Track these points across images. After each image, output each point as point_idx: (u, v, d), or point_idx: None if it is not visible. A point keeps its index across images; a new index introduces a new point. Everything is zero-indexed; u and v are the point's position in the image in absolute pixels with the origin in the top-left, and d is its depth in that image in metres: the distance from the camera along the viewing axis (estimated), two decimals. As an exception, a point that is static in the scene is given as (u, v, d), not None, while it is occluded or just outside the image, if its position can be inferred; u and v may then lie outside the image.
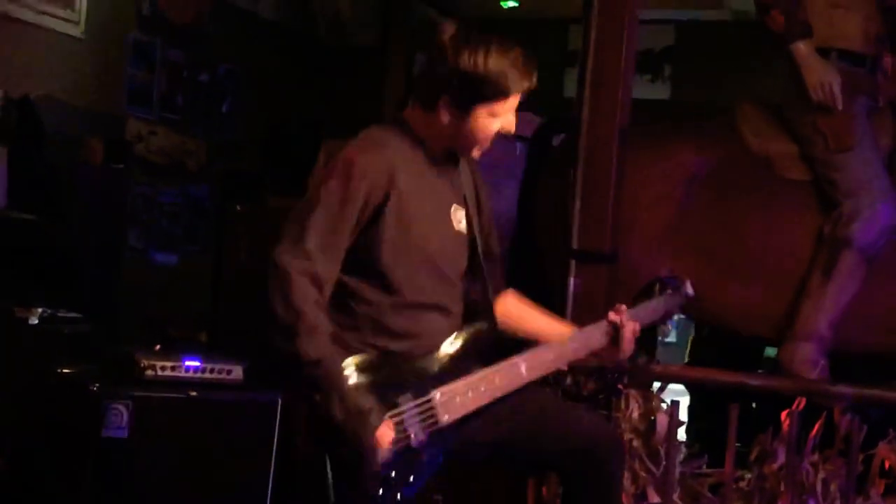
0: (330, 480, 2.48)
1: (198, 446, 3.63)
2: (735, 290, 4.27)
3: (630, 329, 2.87)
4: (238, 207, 4.83)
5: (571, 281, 4.03)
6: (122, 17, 6.01)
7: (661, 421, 3.77)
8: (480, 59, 2.62)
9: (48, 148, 5.32)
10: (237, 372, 3.78)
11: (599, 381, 3.72)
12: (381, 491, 2.53)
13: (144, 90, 6.10)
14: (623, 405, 3.77)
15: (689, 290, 3.15)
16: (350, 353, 2.58)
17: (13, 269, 4.68)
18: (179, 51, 6.28)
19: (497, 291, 2.89)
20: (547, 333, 2.87)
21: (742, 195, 4.32)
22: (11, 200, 5.09)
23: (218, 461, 3.65)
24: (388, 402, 2.56)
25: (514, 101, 2.66)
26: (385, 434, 2.50)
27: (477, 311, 2.82)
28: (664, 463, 3.75)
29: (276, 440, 3.71)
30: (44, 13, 5.51)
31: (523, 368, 2.75)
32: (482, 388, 2.69)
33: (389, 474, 2.54)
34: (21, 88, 5.30)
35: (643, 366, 3.79)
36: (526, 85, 2.67)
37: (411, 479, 2.59)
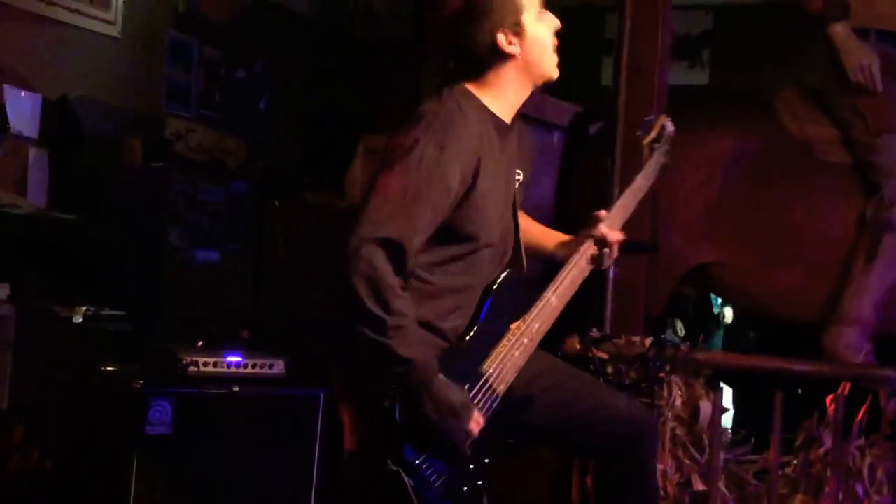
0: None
1: (241, 442, 3.65)
2: (776, 276, 4.24)
3: (614, 240, 2.85)
4: (276, 203, 4.84)
5: (611, 270, 4.02)
6: (159, 17, 6.04)
7: (705, 408, 3.75)
8: None
9: (88, 148, 5.35)
10: (279, 367, 3.79)
11: (641, 370, 3.70)
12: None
13: (182, 88, 6.13)
14: (665, 393, 3.75)
15: (670, 127, 3.08)
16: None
17: (56, 269, 4.72)
18: (216, 48, 6.31)
19: None
20: (543, 239, 2.91)
21: (782, 180, 4.29)
22: (52, 201, 5.13)
23: (262, 456, 3.67)
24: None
25: None
26: (477, 423, 2.51)
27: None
28: (708, 450, 3.73)
29: (319, 435, 3.73)
30: (81, 14, 5.54)
31: (553, 299, 2.73)
32: (525, 341, 2.66)
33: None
34: (59, 90, 5.33)
35: (686, 353, 3.77)
36: None
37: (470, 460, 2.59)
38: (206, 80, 6.27)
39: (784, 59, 6.92)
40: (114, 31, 5.73)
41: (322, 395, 3.72)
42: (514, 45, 2.66)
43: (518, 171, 2.79)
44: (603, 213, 2.87)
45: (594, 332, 3.81)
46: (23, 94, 5.17)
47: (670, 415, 3.73)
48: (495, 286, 2.69)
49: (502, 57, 2.66)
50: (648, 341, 3.74)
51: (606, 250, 2.85)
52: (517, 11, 2.65)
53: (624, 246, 4.07)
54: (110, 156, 5.42)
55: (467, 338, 2.63)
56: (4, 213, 4.64)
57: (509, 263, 2.76)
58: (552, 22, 2.72)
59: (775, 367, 3.89)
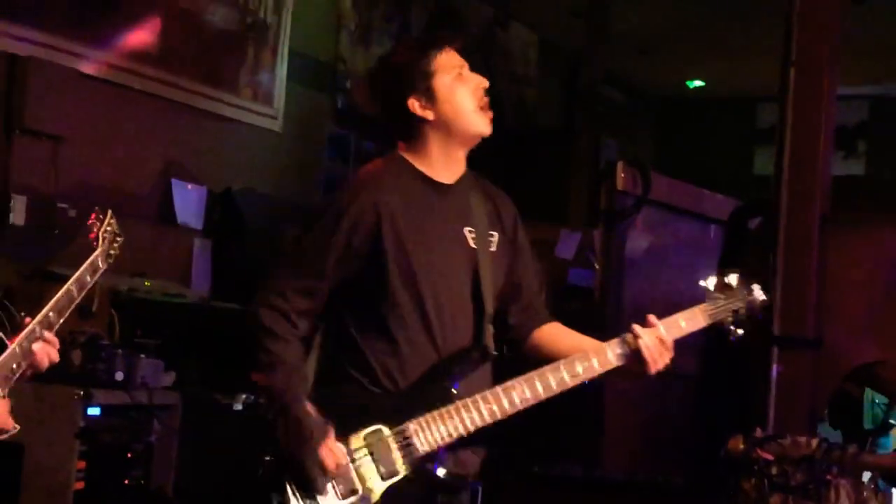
0: None
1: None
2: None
3: (651, 338, 2.62)
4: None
5: (774, 368, 3.95)
6: (318, 112, 6.21)
7: (874, 512, 3.63)
8: (398, 48, 2.80)
9: (249, 238, 5.49)
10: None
11: (808, 471, 3.61)
12: None
13: (339, 180, 6.24)
14: (833, 496, 3.64)
15: (759, 294, 2.79)
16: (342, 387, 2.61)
17: (218, 358, 4.82)
18: (372, 142, 6.44)
19: (539, 322, 2.81)
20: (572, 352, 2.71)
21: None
22: (215, 290, 5.27)
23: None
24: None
25: (454, 53, 2.70)
26: (328, 454, 2.50)
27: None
28: (878, 557, 3.61)
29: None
30: (246, 110, 5.73)
31: (516, 395, 2.60)
32: (463, 416, 2.57)
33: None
34: (223, 182, 5.50)
35: (854, 454, 3.66)
36: (444, 35, 2.75)
37: None
38: (363, 173, 6.40)
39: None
40: (276, 126, 5.91)
41: (480, 488, 3.70)
42: (428, 109, 2.68)
43: (489, 232, 2.73)
44: (653, 317, 2.69)
45: (758, 432, 3.73)
46: (189, 187, 5.35)
47: (838, 519, 3.62)
48: (457, 357, 2.64)
49: (420, 121, 2.69)
50: (815, 442, 3.66)
51: (645, 349, 2.63)
52: (428, 77, 2.68)
53: (787, 342, 4.02)
54: (270, 246, 5.55)
55: (406, 390, 2.60)
56: (171, 302, 4.78)
57: (474, 343, 2.68)
58: (474, 82, 2.71)
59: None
